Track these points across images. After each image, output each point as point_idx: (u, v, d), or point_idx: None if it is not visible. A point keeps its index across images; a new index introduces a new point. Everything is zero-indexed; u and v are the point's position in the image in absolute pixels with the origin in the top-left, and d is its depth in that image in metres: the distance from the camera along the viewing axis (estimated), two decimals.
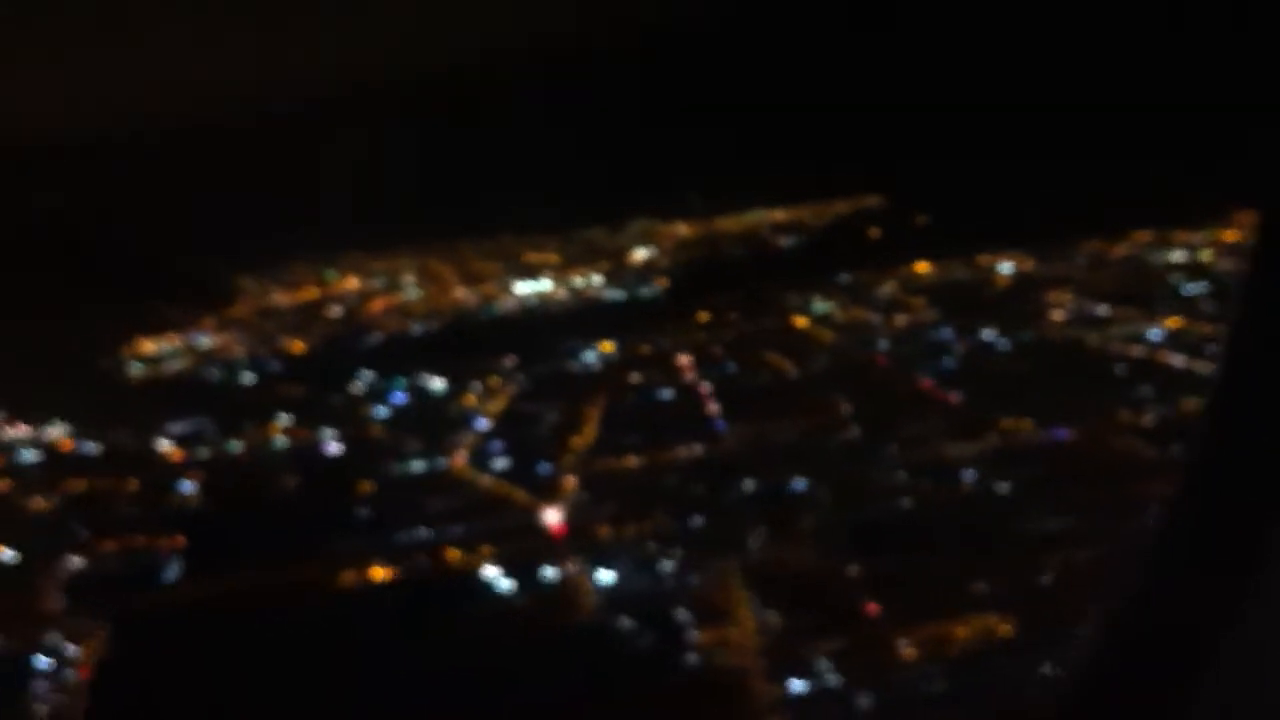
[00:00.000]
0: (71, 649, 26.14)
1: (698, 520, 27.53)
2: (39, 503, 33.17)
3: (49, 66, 23.94)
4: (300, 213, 38.63)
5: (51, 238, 38.39)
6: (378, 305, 43.68)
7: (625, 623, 25.36)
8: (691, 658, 23.91)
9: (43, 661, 25.83)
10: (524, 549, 27.93)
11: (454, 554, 28.37)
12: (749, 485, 28.60)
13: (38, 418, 34.92)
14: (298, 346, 41.61)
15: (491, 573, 27.35)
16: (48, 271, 36.51)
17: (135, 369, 40.45)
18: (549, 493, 29.70)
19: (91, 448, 36.12)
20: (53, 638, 26.64)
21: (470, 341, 40.14)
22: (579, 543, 28.11)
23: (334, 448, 33.81)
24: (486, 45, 30.86)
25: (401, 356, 39.04)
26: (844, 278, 38.97)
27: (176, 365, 41.04)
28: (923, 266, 38.89)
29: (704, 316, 38.30)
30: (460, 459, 32.30)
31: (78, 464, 34.85)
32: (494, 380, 36.17)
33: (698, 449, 30.45)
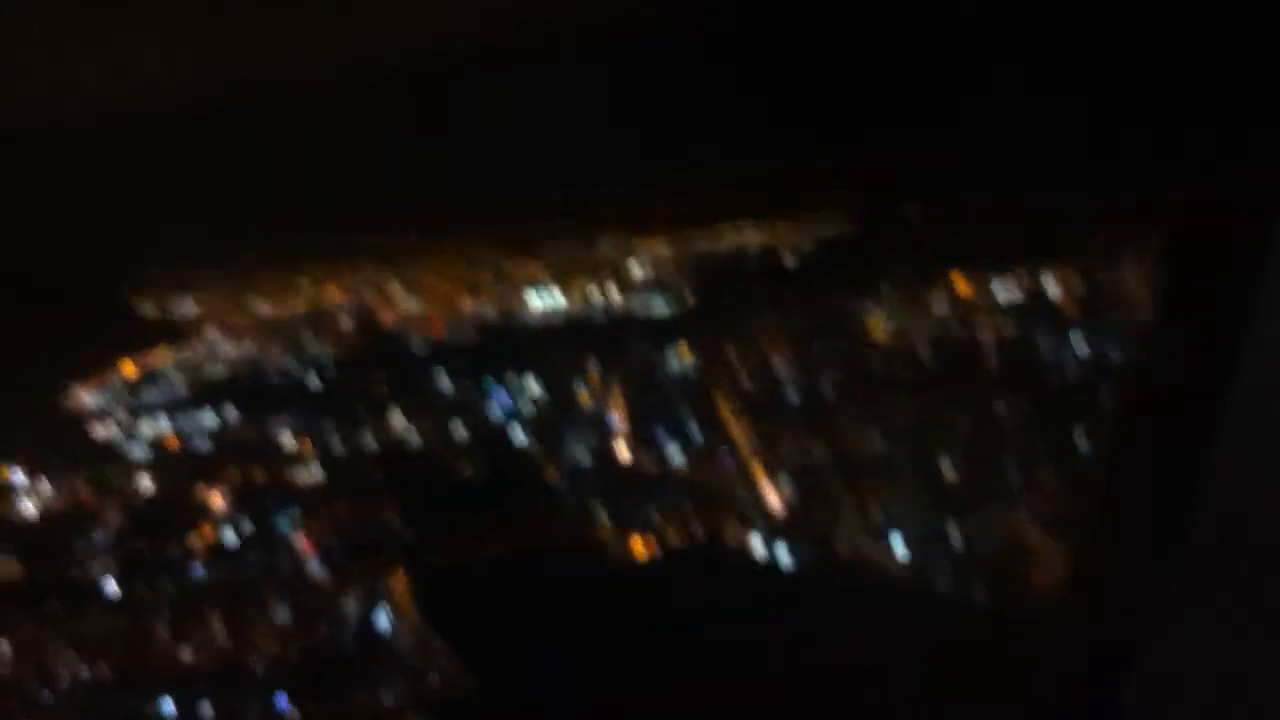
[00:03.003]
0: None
1: (940, 492, 30.11)
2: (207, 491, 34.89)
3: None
4: (250, 221, 40.48)
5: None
6: (387, 315, 45.62)
7: (919, 585, 27.74)
8: (991, 614, 25.80)
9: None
10: (766, 528, 30.63)
11: (688, 531, 31.02)
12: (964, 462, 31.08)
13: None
14: (327, 351, 43.23)
15: (757, 543, 29.98)
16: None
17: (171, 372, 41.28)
18: (749, 477, 32.44)
19: (204, 442, 37.69)
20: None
21: (523, 347, 41.65)
22: (811, 520, 30.72)
23: (519, 437, 36.12)
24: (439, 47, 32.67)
25: (460, 360, 40.96)
26: (886, 288, 40.32)
27: (214, 370, 42.58)
28: (960, 280, 39.61)
29: (759, 328, 39.48)
30: (625, 451, 35.02)
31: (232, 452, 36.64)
32: (594, 382, 38.49)
33: (878, 441, 32.77)
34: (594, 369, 38.61)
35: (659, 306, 42.19)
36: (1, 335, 34.75)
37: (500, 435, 36.30)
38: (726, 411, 35.26)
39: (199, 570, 28.95)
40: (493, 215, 44.69)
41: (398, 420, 37.71)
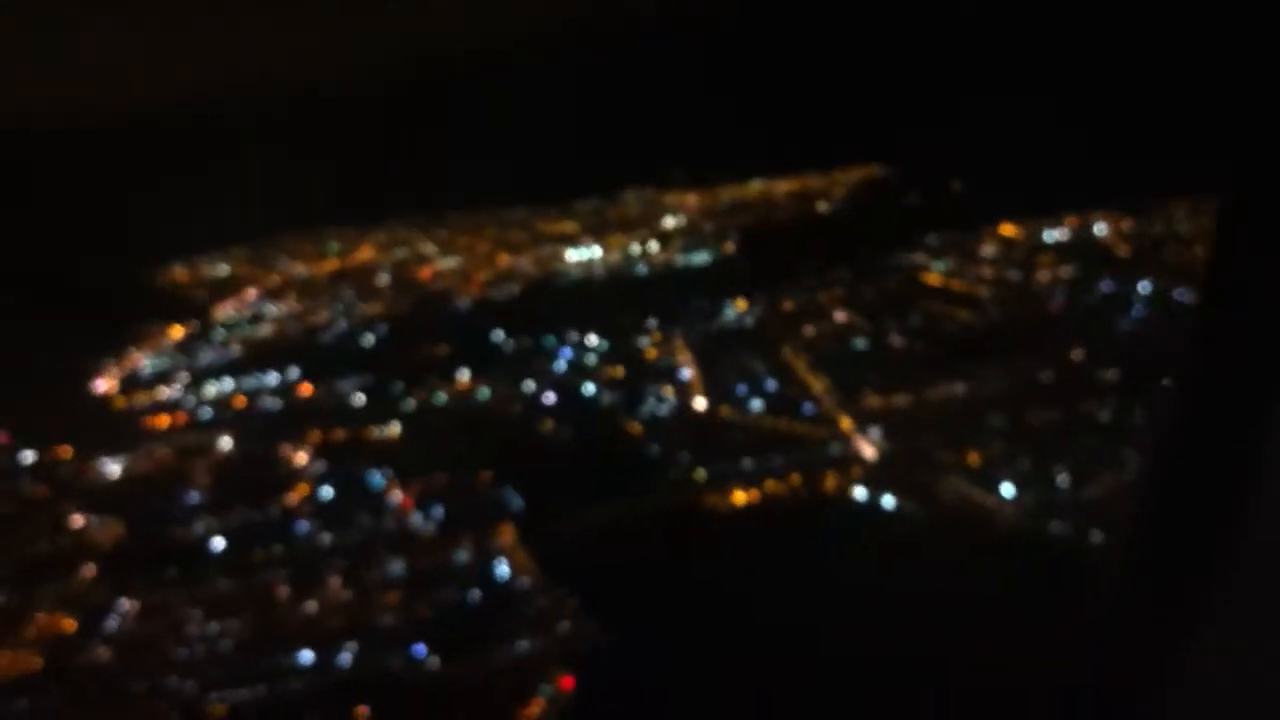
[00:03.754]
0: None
1: (1048, 443, 30.48)
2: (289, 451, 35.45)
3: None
4: (278, 195, 41.34)
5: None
6: (425, 273, 46.29)
7: (1028, 534, 27.61)
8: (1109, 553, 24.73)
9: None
10: (857, 477, 31.24)
11: (782, 483, 31.45)
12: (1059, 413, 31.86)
13: None
14: (375, 310, 43.95)
15: (861, 494, 30.43)
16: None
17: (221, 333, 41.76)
18: (835, 427, 33.38)
19: (273, 403, 38.17)
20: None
21: (578, 304, 43.00)
22: (903, 471, 31.17)
23: (592, 393, 36.69)
24: (471, 31, 32.98)
25: (517, 318, 42.09)
26: (932, 239, 42.50)
27: (263, 330, 43.06)
28: (1008, 229, 42.19)
29: (810, 277, 41.22)
30: (700, 403, 35.61)
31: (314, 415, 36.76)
32: (656, 336, 39.65)
33: (959, 388, 34.01)
34: (654, 323, 39.83)
35: (700, 258, 42.74)
36: (42, 310, 35.16)
37: (576, 392, 36.96)
38: (798, 362, 36.34)
39: (304, 527, 28.84)
40: (521, 179, 45.66)
41: (466, 378, 37.93)
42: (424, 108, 39.55)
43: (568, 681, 25.47)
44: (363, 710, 25.01)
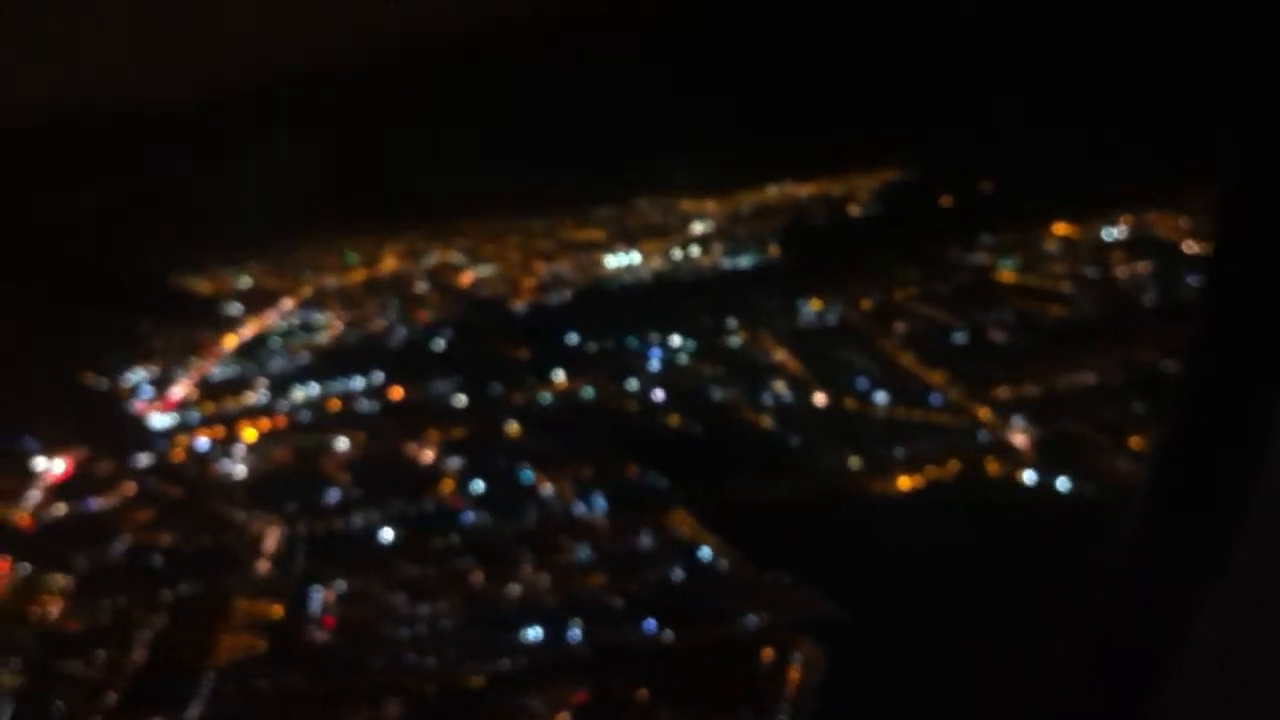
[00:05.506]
0: None
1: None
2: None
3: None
4: (280, 199, 41.60)
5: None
6: (464, 279, 46.20)
7: None
8: None
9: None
10: (1021, 461, 31.06)
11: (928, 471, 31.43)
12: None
13: None
14: (430, 316, 43.94)
15: (1030, 477, 30.41)
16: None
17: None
18: (973, 416, 33.31)
19: (368, 404, 38.26)
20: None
21: (638, 307, 42.46)
22: (1068, 454, 31.04)
23: (704, 389, 36.56)
24: (469, 28, 32.48)
25: (584, 320, 41.28)
26: (986, 239, 42.15)
27: (320, 338, 42.93)
28: (1062, 228, 42.04)
29: (877, 276, 40.95)
30: (820, 397, 35.56)
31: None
32: (744, 335, 39.57)
33: (1088, 377, 33.93)
34: (734, 323, 40.03)
35: (745, 261, 43.65)
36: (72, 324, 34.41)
37: (686, 388, 36.93)
38: (904, 356, 36.87)
39: (469, 517, 28.94)
40: (536, 188, 45.65)
41: (562, 378, 37.97)
42: (423, 112, 38.88)
43: (815, 651, 25.69)
44: (620, 679, 25.11)
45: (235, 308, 42.51)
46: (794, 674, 25.06)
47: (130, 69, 28.94)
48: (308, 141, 37.59)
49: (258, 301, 42.57)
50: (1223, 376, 4.50)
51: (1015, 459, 31.61)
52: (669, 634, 26.66)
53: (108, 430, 34.10)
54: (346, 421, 36.06)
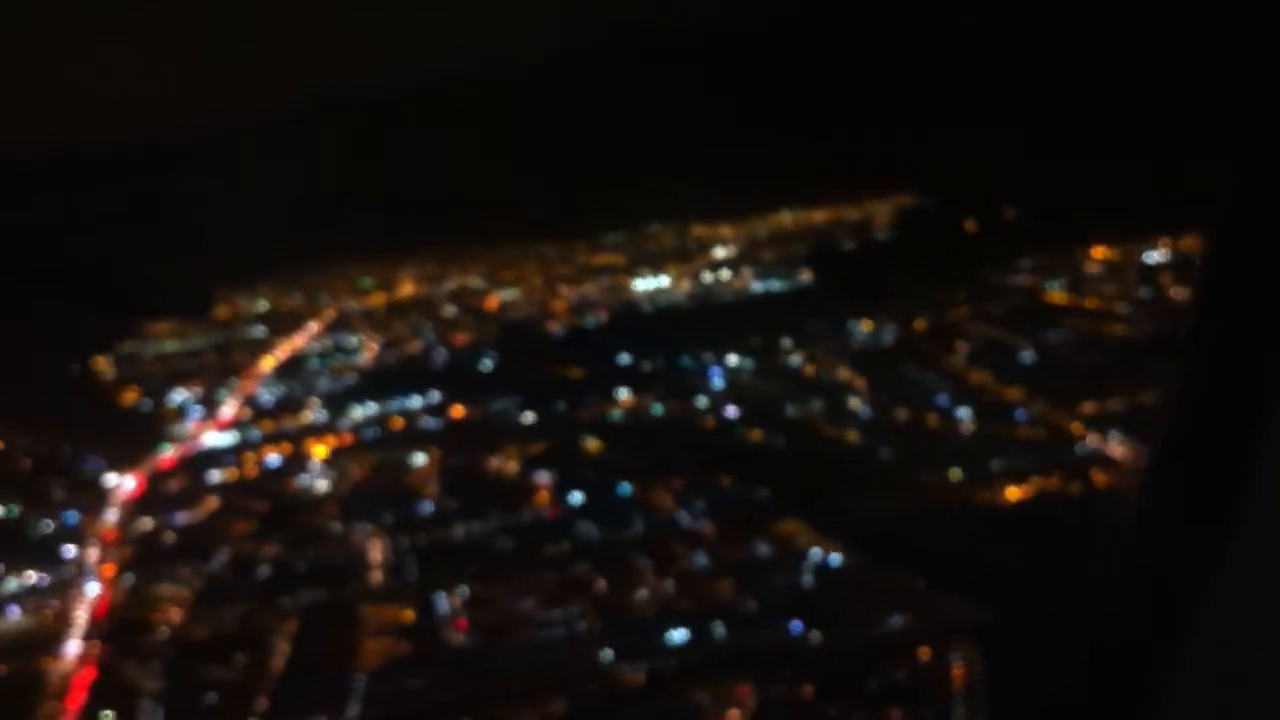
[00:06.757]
0: None
1: None
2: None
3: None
4: (285, 224, 41.58)
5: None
6: (491, 303, 45.52)
7: None
8: None
9: None
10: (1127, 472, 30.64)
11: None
12: None
13: None
14: (467, 338, 43.47)
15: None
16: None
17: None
18: (1064, 430, 33.05)
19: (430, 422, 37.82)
20: None
21: (684, 328, 42.32)
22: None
23: (790, 408, 35.92)
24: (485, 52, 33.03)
25: (632, 341, 40.87)
26: (1025, 262, 42.20)
27: (359, 360, 42.33)
28: (1100, 251, 42.19)
29: (927, 297, 40.92)
30: (902, 413, 35.21)
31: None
32: (802, 354, 39.21)
33: (1148, 395, 32.36)
34: (789, 343, 39.53)
35: (779, 285, 43.38)
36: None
37: (759, 405, 36.52)
38: (976, 374, 36.70)
39: (578, 528, 28.54)
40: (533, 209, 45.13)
41: (626, 396, 37.36)
42: (425, 136, 38.48)
43: (972, 651, 25.07)
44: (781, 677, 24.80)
45: (259, 330, 41.00)
46: (957, 672, 24.21)
47: (144, 100, 28.06)
48: (315, 170, 36.68)
49: (281, 324, 41.25)
50: (1222, 376, 4.34)
51: (1118, 470, 30.86)
52: (816, 634, 25.89)
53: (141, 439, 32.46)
54: (415, 438, 34.98)
